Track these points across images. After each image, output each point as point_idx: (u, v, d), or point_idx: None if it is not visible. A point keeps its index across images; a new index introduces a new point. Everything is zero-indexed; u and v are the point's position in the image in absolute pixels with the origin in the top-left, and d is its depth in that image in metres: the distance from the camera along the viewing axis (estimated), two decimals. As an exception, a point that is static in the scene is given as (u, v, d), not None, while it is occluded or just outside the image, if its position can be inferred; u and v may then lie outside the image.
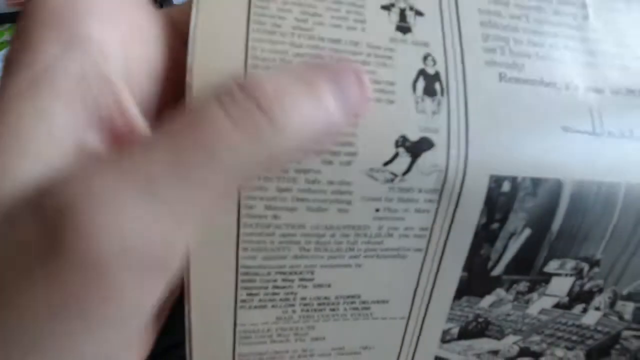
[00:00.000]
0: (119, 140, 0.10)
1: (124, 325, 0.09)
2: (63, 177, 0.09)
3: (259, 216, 0.13)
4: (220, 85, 0.10)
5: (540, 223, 0.15)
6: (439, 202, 0.14)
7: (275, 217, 0.13)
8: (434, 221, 0.14)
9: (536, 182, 0.15)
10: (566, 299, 0.17)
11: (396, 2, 0.14)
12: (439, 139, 0.14)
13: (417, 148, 0.14)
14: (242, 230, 0.13)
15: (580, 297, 0.17)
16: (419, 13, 0.14)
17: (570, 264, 0.16)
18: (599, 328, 0.17)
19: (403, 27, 0.14)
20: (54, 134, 0.09)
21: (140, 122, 0.11)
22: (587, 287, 0.17)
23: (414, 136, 0.14)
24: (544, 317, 0.17)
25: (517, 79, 0.15)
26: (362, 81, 0.11)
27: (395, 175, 0.14)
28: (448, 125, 0.14)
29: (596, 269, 0.16)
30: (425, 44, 0.14)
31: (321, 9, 0.13)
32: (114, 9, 0.11)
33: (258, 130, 0.09)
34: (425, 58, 0.14)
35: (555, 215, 0.15)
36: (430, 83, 0.14)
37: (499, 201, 0.15)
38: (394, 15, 0.14)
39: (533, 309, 0.17)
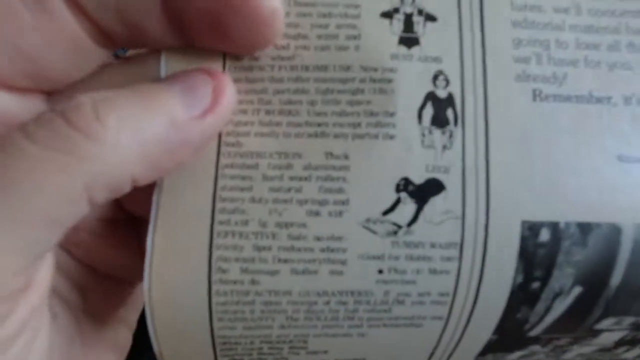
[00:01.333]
0: None
1: None
2: None
3: (233, 282, 0.11)
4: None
5: (595, 279, 0.12)
6: (460, 259, 0.11)
7: (253, 282, 0.11)
8: (457, 285, 0.12)
9: (585, 228, 0.11)
10: (611, 345, 0.13)
11: (401, 6, 0.11)
12: (451, 180, 0.11)
13: (423, 192, 0.11)
14: (214, 300, 0.11)
15: (629, 343, 0.13)
16: (430, 18, 0.11)
17: (629, 320, 0.13)
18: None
19: (408, 39, 0.11)
20: None
21: None
22: None
23: (419, 178, 0.11)
24: (579, 359, 0.14)
25: (557, 95, 0.11)
26: (218, 78, 0.10)
27: (399, 227, 0.11)
28: (463, 163, 0.11)
29: None
30: (437, 59, 0.11)
31: (306, 28, 0.11)
32: None
33: (66, 142, 0.08)
34: (435, 78, 0.11)
35: (613, 268, 0.12)
36: (440, 110, 0.11)
37: (538, 254, 0.11)
38: (398, 24, 0.11)
39: (570, 355, 0.13)
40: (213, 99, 0.10)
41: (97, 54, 0.10)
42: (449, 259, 0.11)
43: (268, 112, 0.11)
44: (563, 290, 0.12)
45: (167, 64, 0.11)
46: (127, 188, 0.10)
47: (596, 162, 0.11)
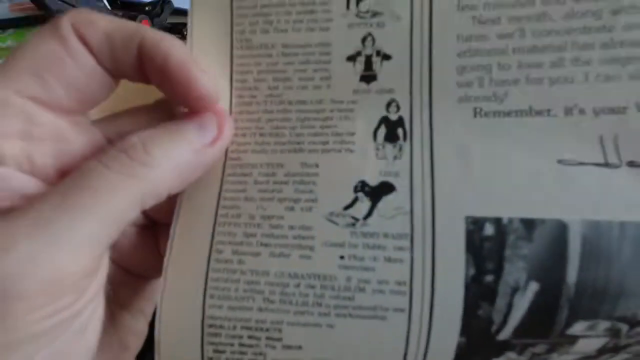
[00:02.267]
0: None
1: (21, 348, 0.10)
2: None
3: (225, 260, 0.14)
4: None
5: (549, 275, 0.12)
6: (411, 249, 0.13)
7: (240, 262, 0.14)
8: (412, 273, 0.13)
9: (529, 223, 0.13)
10: (594, 354, 0.12)
11: (363, 50, 0.14)
12: (400, 182, 0.14)
13: (377, 192, 0.14)
14: (210, 276, 0.14)
15: (612, 350, 0.12)
16: (386, 57, 0.14)
17: (604, 325, 0.12)
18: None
19: (368, 77, 0.14)
20: None
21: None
22: (623, 343, 0.12)
23: (373, 181, 0.14)
24: None
25: (497, 112, 0.13)
26: (220, 116, 0.14)
27: (357, 219, 0.14)
28: (411, 168, 0.14)
29: (638, 329, 0.12)
30: (390, 90, 0.14)
31: (290, 73, 0.15)
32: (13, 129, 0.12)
33: (128, 168, 0.12)
34: (388, 105, 0.14)
35: (566, 264, 0.12)
36: (392, 130, 0.14)
37: (485, 247, 0.13)
38: (359, 65, 0.15)
39: None
40: (218, 131, 0.14)
41: (110, 83, 0.14)
42: (401, 248, 0.13)
43: (261, 135, 0.15)
44: (519, 285, 0.13)
45: None
46: (165, 197, 0.13)
47: (536, 165, 0.13)
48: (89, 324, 0.12)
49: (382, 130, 0.14)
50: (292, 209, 0.14)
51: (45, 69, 0.12)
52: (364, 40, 0.15)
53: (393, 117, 0.14)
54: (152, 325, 0.15)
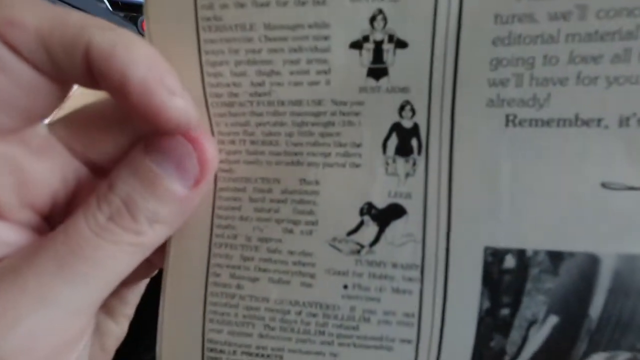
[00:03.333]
0: None
1: None
2: None
3: (223, 285, 0.13)
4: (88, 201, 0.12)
5: (571, 309, 0.11)
6: (421, 280, 0.12)
7: (239, 286, 0.13)
8: (421, 305, 0.12)
9: (556, 256, 0.11)
10: None
11: (371, 33, 0.11)
12: (412, 205, 0.12)
13: (385, 216, 0.12)
14: (208, 299, 0.13)
15: None
16: (401, 44, 0.11)
17: (623, 356, 0.12)
18: None
19: (377, 70, 0.12)
20: None
21: None
22: None
23: (381, 203, 0.12)
24: None
25: (534, 120, 0.11)
26: (199, 146, 0.12)
27: (362, 246, 0.12)
28: (425, 189, 0.12)
29: None
30: (404, 89, 0.12)
31: (278, 64, 0.12)
32: None
33: (121, 238, 0.11)
34: (402, 108, 0.12)
35: (591, 298, 0.11)
36: (404, 140, 0.12)
37: (504, 280, 0.12)
38: (367, 55, 0.12)
39: None
40: (200, 169, 0.12)
41: (58, 88, 0.11)
42: (410, 279, 0.12)
43: (252, 142, 0.13)
44: (537, 319, 0.12)
45: None
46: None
47: (575, 188, 0.11)
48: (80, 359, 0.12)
49: (394, 141, 0.12)
50: (290, 231, 0.13)
51: None
52: (372, 19, 0.12)
53: (407, 124, 0.12)
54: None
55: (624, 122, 0.11)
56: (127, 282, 0.15)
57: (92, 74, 0.10)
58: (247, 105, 0.13)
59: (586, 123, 0.11)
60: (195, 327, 0.13)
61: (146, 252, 0.12)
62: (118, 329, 0.15)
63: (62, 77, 0.11)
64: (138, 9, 0.42)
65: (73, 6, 0.36)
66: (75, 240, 0.11)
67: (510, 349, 0.12)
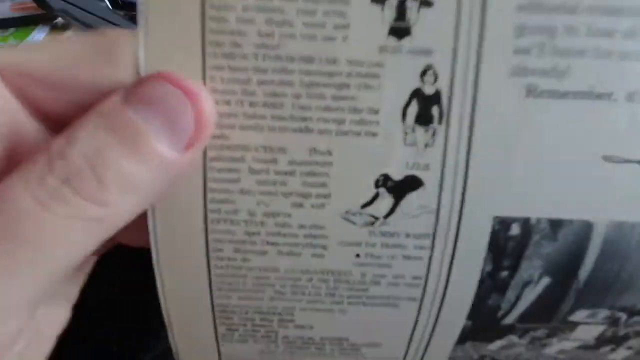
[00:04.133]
0: None
1: None
2: None
3: (228, 258, 0.12)
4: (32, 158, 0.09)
5: (563, 271, 0.13)
6: (432, 248, 0.12)
7: (245, 259, 0.12)
8: (429, 270, 0.13)
9: (556, 223, 0.12)
10: (593, 342, 0.14)
11: None
12: (429, 177, 0.12)
13: (401, 188, 0.12)
14: (213, 272, 0.13)
15: (611, 340, 0.14)
16: (426, 2, 0.11)
17: (604, 313, 0.13)
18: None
19: (399, 29, 0.11)
20: None
21: None
22: (622, 332, 0.14)
23: (398, 174, 0.12)
24: (562, 357, 0.15)
25: (553, 91, 0.11)
26: (198, 102, 0.10)
27: (376, 218, 0.12)
28: (443, 161, 0.12)
29: (637, 318, 0.13)
30: (427, 52, 0.11)
31: (291, 14, 0.11)
32: None
33: (77, 211, 0.09)
34: (424, 73, 0.11)
35: (582, 262, 0.12)
36: (425, 107, 0.11)
37: (508, 246, 0.12)
38: (389, 12, 0.11)
39: (550, 350, 0.15)
40: (196, 127, 0.10)
41: (34, 128, 0.10)
42: (421, 247, 0.12)
43: (252, 104, 0.11)
44: (532, 280, 0.13)
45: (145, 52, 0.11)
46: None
47: (579, 160, 0.12)
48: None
49: (414, 108, 0.11)
50: (300, 205, 0.12)
51: None
52: None
53: (429, 90, 0.11)
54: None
55: (630, 97, 0.11)
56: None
57: None
58: (250, 58, 0.11)
59: (600, 97, 0.11)
60: (202, 295, 0.13)
61: (110, 231, 0.10)
62: (61, 314, 0.13)
63: None
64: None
65: (74, 5, 0.34)
66: (11, 215, 0.08)
67: (505, 305, 0.13)
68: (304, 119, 0.11)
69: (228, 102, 0.11)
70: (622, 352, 0.14)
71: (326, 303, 0.13)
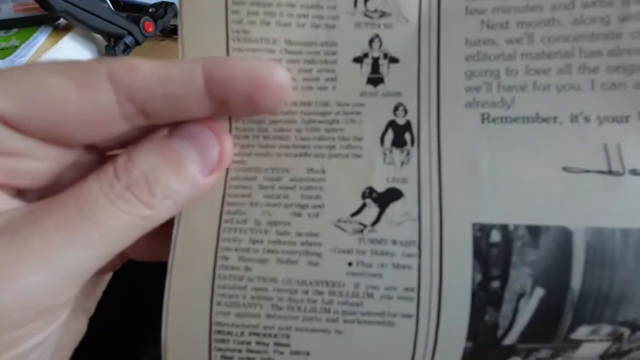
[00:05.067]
0: None
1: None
2: None
3: (232, 267, 0.14)
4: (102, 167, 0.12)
5: (554, 280, 0.13)
6: (419, 256, 0.13)
7: (247, 268, 0.14)
8: (420, 280, 0.13)
9: (534, 230, 0.13)
10: (597, 359, 0.13)
11: (370, 52, 0.14)
12: (408, 189, 0.14)
13: (385, 198, 0.14)
14: (216, 283, 0.14)
15: (615, 355, 0.13)
16: (393, 60, 0.14)
17: (606, 329, 0.13)
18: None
19: (374, 79, 0.14)
20: None
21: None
22: (625, 348, 0.13)
23: (381, 187, 0.14)
24: None
25: (504, 117, 0.13)
26: (221, 137, 0.13)
27: (364, 226, 0.14)
28: (418, 175, 0.14)
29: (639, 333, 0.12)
30: (397, 94, 0.14)
31: (294, 72, 0.14)
32: None
33: (135, 210, 0.12)
34: (396, 109, 0.14)
35: (570, 270, 0.13)
36: (399, 134, 0.14)
37: (492, 253, 0.13)
38: (366, 67, 0.14)
39: None
40: (218, 160, 0.13)
41: (120, 126, 0.13)
42: (409, 255, 0.13)
43: (265, 138, 0.14)
44: (525, 291, 0.13)
45: None
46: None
47: (542, 172, 0.13)
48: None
49: (390, 135, 0.14)
50: (299, 214, 0.14)
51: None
52: (371, 42, 0.14)
53: (400, 121, 0.14)
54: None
55: (574, 119, 0.13)
56: (100, 271, 0.15)
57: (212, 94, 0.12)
58: None
59: (545, 120, 0.13)
60: (202, 311, 0.14)
61: (147, 228, 0.12)
62: (79, 326, 0.15)
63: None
64: (140, 9, 0.41)
65: (76, 6, 0.35)
66: (90, 206, 0.11)
67: (503, 322, 0.13)
68: (304, 147, 0.14)
69: (247, 137, 0.15)
70: None
71: (322, 321, 0.13)
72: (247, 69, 0.13)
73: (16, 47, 0.37)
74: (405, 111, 0.14)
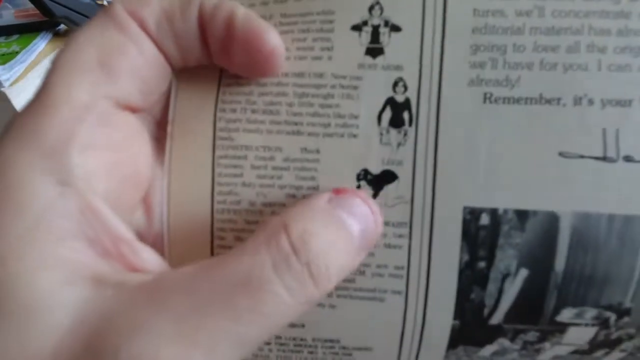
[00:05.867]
0: (124, 261, 0.11)
1: None
2: (103, 314, 0.10)
3: (229, 247, 0.14)
4: (269, 230, 0.11)
5: (538, 262, 0.13)
6: (410, 236, 0.14)
7: None
8: (409, 259, 0.14)
9: (522, 214, 0.13)
10: (586, 347, 0.14)
11: (369, 19, 0.13)
12: (403, 171, 0.14)
13: (379, 181, 0.14)
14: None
15: (605, 344, 0.14)
16: (395, 28, 0.13)
17: (591, 313, 0.14)
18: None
19: (374, 50, 0.13)
20: (67, 280, 0.10)
21: (136, 244, 0.12)
22: (614, 336, 0.14)
23: (376, 169, 0.14)
24: None
25: (507, 98, 0.13)
26: (379, 224, 0.13)
27: (358, 208, 0.14)
28: (414, 157, 0.14)
29: (626, 319, 0.13)
30: (398, 67, 0.13)
31: (288, 42, 0.13)
32: (99, 139, 0.12)
33: (309, 297, 0.11)
34: (395, 84, 0.13)
35: (555, 253, 0.13)
36: (397, 113, 0.13)
37: (480, 235, 0.13)
38: (365, 36, 0.13)
39: (544, 356, 0.14)
40: (375, 224, 0.13)
41: (168, 72, 0.13)
42: (400, 235, 0.14)
43: (254, 112, 0.14)
44: (510, 271, 0.13)
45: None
46: None
47: (538, 157, 0.13)
48: None
49: (388, 114, 0.14)
50: (293, 196, 0.14)
51: (113, 62, 0.12)
52: (371, 8, 0.13)
53: (400, 98, 0.14)
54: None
55: (577, 101, 0.13)
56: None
57: (204, 29, 0.12)
58: None
59: (548, 101, 0.13)
60: None
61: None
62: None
63: (177, 52, 0.13)
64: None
65: (76, 12, 0.36)
66: (263, 294, 0.10)
67: (489, 301, 0.14)
68: (296, 124, 0.14)
69: (234, 110, 0.14)
70: (616, 354, 0.14)
71: None
72: (243, 13, 0.12)
73: (17, 53, 0.38)
74: (405, 87, 0.13)
